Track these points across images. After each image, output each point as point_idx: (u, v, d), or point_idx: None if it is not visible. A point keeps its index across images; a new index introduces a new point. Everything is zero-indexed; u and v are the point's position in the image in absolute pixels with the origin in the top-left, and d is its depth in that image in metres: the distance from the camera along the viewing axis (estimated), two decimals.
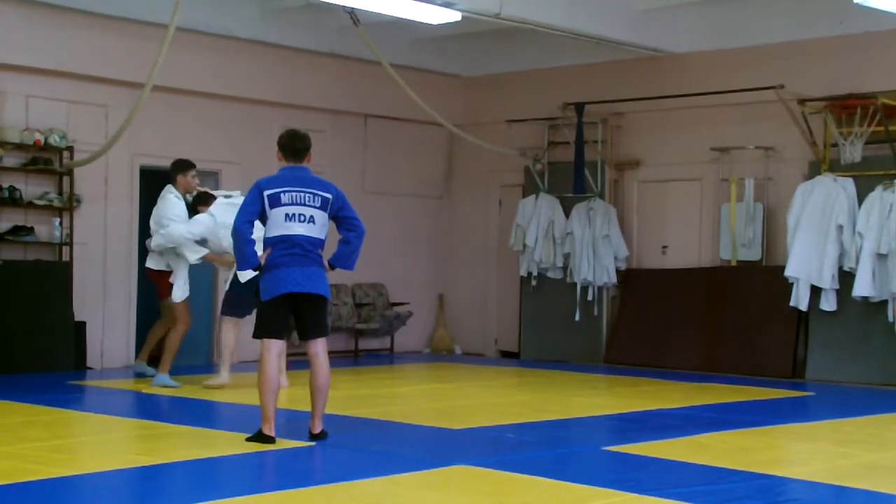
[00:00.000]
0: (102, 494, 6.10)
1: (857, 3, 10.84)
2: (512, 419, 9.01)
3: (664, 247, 14.18)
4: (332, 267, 7.70)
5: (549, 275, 14.42)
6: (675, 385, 11.67)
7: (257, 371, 7.55)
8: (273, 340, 7.53)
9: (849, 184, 12.27)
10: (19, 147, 11.78)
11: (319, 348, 7.64)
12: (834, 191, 12.28)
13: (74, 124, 12.20)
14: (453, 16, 11.85)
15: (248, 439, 7.53)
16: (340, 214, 7.63)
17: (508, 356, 15.06)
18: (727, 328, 13.25)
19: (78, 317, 12.11)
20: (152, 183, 13.38)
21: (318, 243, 7.55)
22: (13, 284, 11.59)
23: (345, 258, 7.70)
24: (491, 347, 15.42)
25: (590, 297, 14.12)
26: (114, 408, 9.52)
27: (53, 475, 6.36)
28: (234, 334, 10.87)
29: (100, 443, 7.77)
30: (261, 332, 7.57)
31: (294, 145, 7.65)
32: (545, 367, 13.37)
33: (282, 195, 7.43)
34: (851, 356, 12.36)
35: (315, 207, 7.48)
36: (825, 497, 6.31)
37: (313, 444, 7.53)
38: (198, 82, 13.05)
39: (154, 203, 13.37)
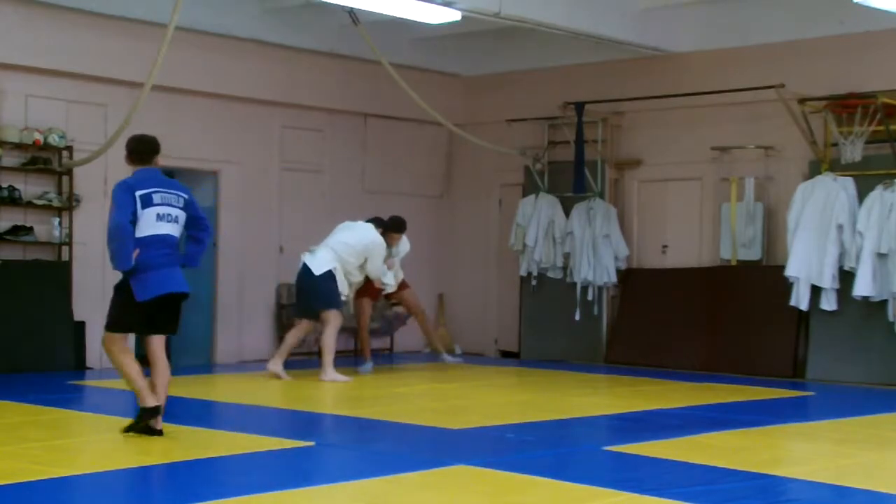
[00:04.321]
0: (102, 494, 6.10)
1: (857, 3, 10.83)
2: (512, 419, 9.01)
3: (664, 246, 14.18)
4: (183, 266, 7.88)
5: (549, 274, 14.41)
6: (675, 385, 11.66)
7: (114, 364, 7.72)
8: (123, 335, 7.74)
9: (849, 183, 12.27)
10: (18, 147, 11.78)
11: (162, 344, 7.83)
12: (834, 190, 12.27)
13: (74, 124, 12.19)
14: (453, 15, 11.84)
15: (129, 427, 7.62)
16: (195, 214, 7.88)
17: (508, 356, 15.05)
18: (727, 328, 13.25)
19: (78, 317, 12.11)
20: None
21: (178, 242, 7.81)
22: (13, 284, 11.59)
23: (195, 258, 7.98)
24: (491, 347, 15.41)
25: (590, 297, 14.11)
26: (114, 408, 9.51)
27: (53, 475, 6.36)
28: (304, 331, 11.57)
29: (100, 443, 7.77)
30: (116, 327, 7.72)
31: (140, 149, 7.81)
32: (545, 367, 13.36)
33: (153, 195, 7.60)
34: (851, 356, 12.35)
35: (179, 208, 7.73)
36: (825, 497, 6.31)
37: (313, 444, 7.50)
38: (197, 82, 13.05)
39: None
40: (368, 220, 11.88)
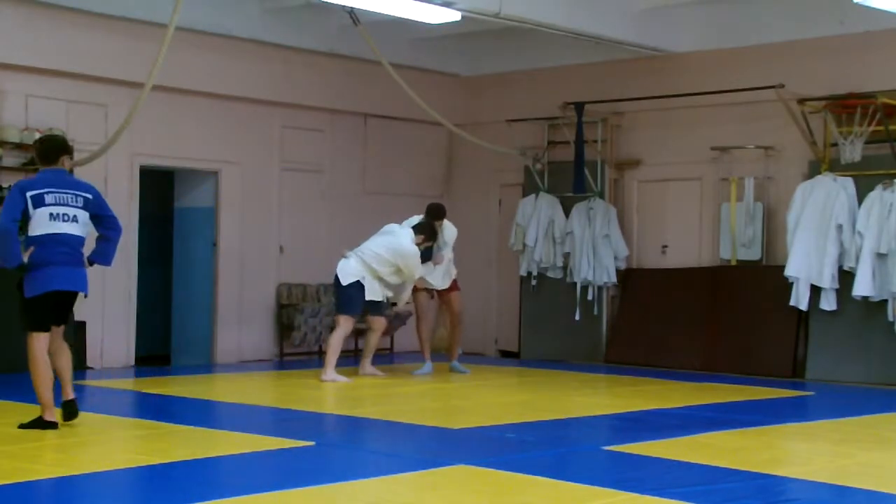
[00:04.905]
0: (102, 494, 6.10)
1: (856, 3, 10.83)
2: (512, 419, 9.01)
3: (664, 246, 14.18)
4: (92, 263, 8.11)
5: (549, 274, 14.42)
6: (675, 385, 11.67)
7: (29, 365, 7.94)
8: (42, 333, 7.97)
9: (849, 183, 12.27)
10: (19, 147, 11.77)
11: (59, 333, 8.13)
12: (834, 190, 12.28)
13: (74, 124, 12.19)
14: (453, 15, 11.84)
15: (23, 426, 7.87)
16: (100, 213, 8.07)
17: (508, 356, 15.05)
18: (727, 328, 13.25)
19: (78, 317, 12.07)
20: (152, 183, 13.42)
21: (82, 241, 8.00)
22: (13, 284, 11.55)
23: (105, 255, 8.19)
24: (491, 347, 15.41)
25: (590, 297, 14.11)
26: (114, 408, 9.53)
27: (53, 475, 6.36)
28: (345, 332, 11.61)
29: (100, 443, 7.77)
30: (32, 326, 7.96)
31: (43, 149, 8.09)
32: (545, 367, 13.36)
33: (45, 196, 7.80)
34: (851, 356, 12.35)
35: (78, 207, 7.92)
36: (825, 497, 6.31)
37: (313, 444, 7.50)
38: (197, 82, 13.05)
39: (151, 201, 13.43)
40: (417, 225, 11.90)
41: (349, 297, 11.48)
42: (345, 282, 11.44)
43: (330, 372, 11.24)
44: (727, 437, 8.19)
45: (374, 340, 11.87)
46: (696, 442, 7.89)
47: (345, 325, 11.48)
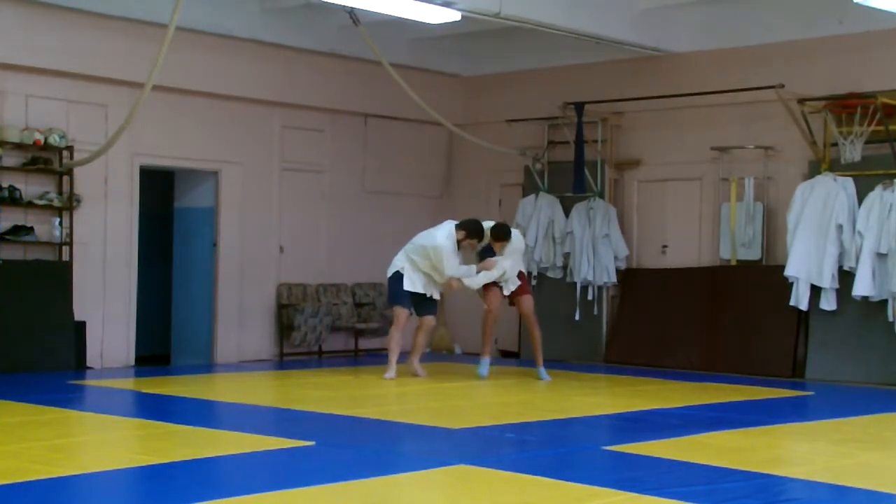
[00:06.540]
0: (102, 494, 6.10)
1: (856, 3, 10.83)
2: (512, 419, 9.01)
3: (664, 246, 14.18)
4: None
5: (549, 274, 14.42)
6: (675, 385, 11.67)
7: None
8: None
9: (849, 183, 12.28)
10: (19, 147, 11.78)
11: None
12: (834, 190, 12.28)
13: (74, 124, 12.20)
14: (453, 15, 11.85)
15: None
16: None
17: (508, 356, 15.05)
18: (727, 328, 13.25)
19: (78, 317, 12.11)
20: (152, 183, 13.43)
21: None
22: (13, 284, 11.59)
23: None
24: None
25: (590, 297, 14.12)
26: (114, 408, 9.53)
27: (53, 475, 6.35)
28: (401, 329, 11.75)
29: (100, 443, 7.77)
30: None
31: None
32: (545, 367, 13.34)
33: None
34: (851, 356, 12.35)
35: None
36: (825, 497, 6.31)
37: (313, 444, 7.51)
38: (197, 82, 13.05)
39: (151, 201, 13.44)
40: (462, 221, 11.78)
41: (391, 290, 11.81)
42: (388, 273, 11.73)
43: (390, 369, 11.54)
44: (727, 437, 8.18)
45: (421, 339, 11.95)
46: (696, 442, 7.89)
47: (396, 318, 11.67)
